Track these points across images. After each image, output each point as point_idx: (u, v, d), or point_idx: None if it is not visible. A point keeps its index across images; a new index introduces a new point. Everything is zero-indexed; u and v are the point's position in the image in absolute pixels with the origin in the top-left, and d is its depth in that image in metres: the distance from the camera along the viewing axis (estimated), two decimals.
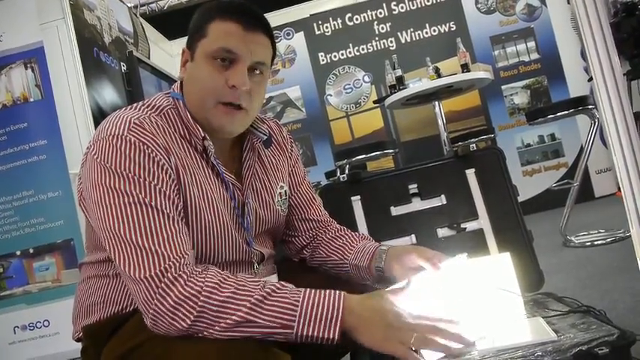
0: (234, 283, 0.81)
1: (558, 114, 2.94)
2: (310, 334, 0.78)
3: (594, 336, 1.02)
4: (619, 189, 4.28)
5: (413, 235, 1.54)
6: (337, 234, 1.16)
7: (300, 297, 0.80)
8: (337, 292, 0.82)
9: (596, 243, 2.79)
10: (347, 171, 3.33)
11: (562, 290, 1.42)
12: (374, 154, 3.36)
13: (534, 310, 1.28)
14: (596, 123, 2.94)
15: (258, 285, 0.81)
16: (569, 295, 1.37)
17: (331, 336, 0.78)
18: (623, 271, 2.17)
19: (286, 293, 0.81)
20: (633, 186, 0.78)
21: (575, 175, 3.06)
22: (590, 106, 2.89)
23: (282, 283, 0.83)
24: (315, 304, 0.79)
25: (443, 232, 1.55)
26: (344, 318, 0.79)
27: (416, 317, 0.82)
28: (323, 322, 0.78)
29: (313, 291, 0.82)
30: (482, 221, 1.55)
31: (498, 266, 1.34)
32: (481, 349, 1.07)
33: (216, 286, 0.79)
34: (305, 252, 1.18)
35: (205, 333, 0.79)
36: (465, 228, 1.55)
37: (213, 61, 0.91)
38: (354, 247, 1.11)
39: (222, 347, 0.77)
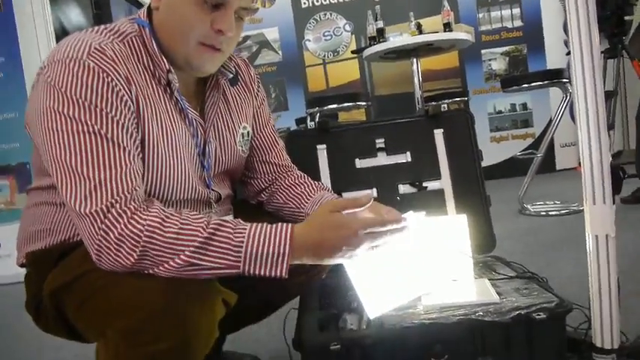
0: (177, 222, 0.78)
1: (533, 84, 2.95)
2: (257, 272, 0.78)
3: (534, 302, 1.06)
4: (579, 164, 4.37)
5: (375, 189, 1.54)
6: (297, 181, 1.15)
7: (244, 236, 0.78)
8: (284, 227, 0.80)
9: (550, 213, 2.88)
10: (317, 119, 3.30)
11: (511, 255, 1.46)
12: (346, 105, 3.33)
13: (482, 272, 1.32)
14: (568, 97, 2.97)
15: (201, 224, 0.79)
16: (517, 260, 1.41)
17: (278, 274, 0.78)
18: (571, 242, 2.25)
19: (230, 234, 0.78)
20: (593, 163, 0.79)
21: (541, 146, 3.11)
22: (564, 80, 2.91)
23: (227, 220, 0.81)
24: (261, 244, 0.78)
25: (404, 188, 1.56)
26: (291, 255, 0.79)
27: (363, 225, 0.82)
28: (270, 262, 0.78)
29: (259, 228, 0.79)
30: (444, 182, 1.57)
31: (454, 227, 1.37)
32: (426, 304, 1.10)
33: (158, 225, 0.77)
34: (262, 195, 1.17)
35: (151, 271, 0.77)
36: (427, 187, 1.56)
37: (201, 1, 0.86)
38: (311, 197, 1.10)
39: (165, 283, 0.76)
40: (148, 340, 0.76)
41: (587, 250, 0.86)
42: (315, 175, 1.52)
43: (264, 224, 0.80)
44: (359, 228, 0.81)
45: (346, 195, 1.51)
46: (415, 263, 1.02)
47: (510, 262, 1.39)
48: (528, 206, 3.00)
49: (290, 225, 0.80)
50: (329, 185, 1.52)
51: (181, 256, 0.75)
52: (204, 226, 0.78)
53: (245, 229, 0.79)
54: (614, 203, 0.82)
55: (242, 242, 0.77)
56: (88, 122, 0.79)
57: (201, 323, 0.79)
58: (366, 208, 0.87)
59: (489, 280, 1.23)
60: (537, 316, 1.01)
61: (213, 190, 1.02)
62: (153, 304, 0.76)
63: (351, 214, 0.83)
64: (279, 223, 0.80)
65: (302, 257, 0.80)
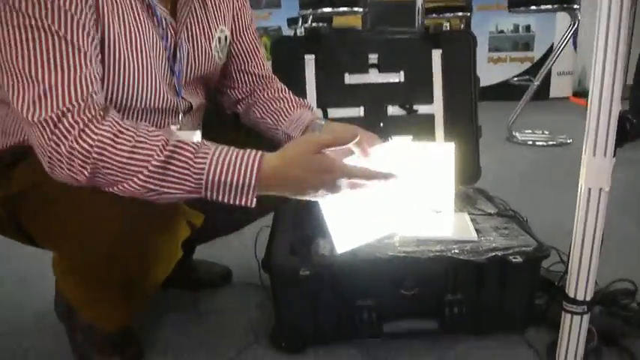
0: (131, 138, 0.69)
1: (542, 7, 2.77)
2: (220, 199, 0.71)
3: (512, 244, 1.03)
4: (574, 94, 4.25)
5: (362, 108, 1.45)
6: (277, 95, 1.05)
7: (206, 162, 0.70)
8: (251, 156, 0.72)
9: (537, 143, 2.84)
10: (310, 22, 3.09)
11: (494, 185, 1.42)
12: (342, 9, 3.11)
13: (463, 205, 1.29)
14: (576, 24, 2.81)
15: (158, 144, 0.69)
16: (499, 192, 1.38)
17: (243, 203, 0.71)
18: (556, 177, 2.23)
19: (190, 159, 0.69)
20: (601, 113, 0.72)
21: (538, 74, 3.00)
22: (575, 6, 2.73)
23: (187, 142, 0.72)
24: (224, 172, 0.70)
25: (393, 110, 1.47)
26: (257, 187, 0.71)
27: (346, 174, 0.75)
28: (234, 191, 0.70)
29: (223, 154, 0.71)
30: (436, 107, 1.48)
31: (440, 154, 1.31)
32: (403, 236, 1.07)
33: (109, 142, 0.68)
34: (239, 107, 1.08)
35: (109, 190, 0.70)
36: (417, 110, 1.48)
37: None
38: (290, 115, 1.02)
39: (123, 206, 0.70)
40: (105, 266, 0.72)
41: (577, 201, 0.81)
42: (300, 87, 1.42)
43: (231, 149, 0.72)
44: (342, 176, 0.74)
45: (332, 112, 1.42)
46: (394, 195, 0.96)
47: (493, 196, 1.35)
48: (517, 134, 2.94)
49: (260, 154, 0.72)
50: (314, 99, 1.42)
51: (135, 180, 0.68)
52: (162, 147, 0.69)
53: (207, 153, 0.70)
54: (614, 156, 0.76)
55: (203, 169, 0.69)
56: (39, 18, 0.67)
57: (162, 251, 0.75)
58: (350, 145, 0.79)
59: (470, 214, 1.19)
60: (514, 260, 0.99)
61: (183, 98, 0.92)
62: (110, 232, 0.71)
63: (335, 157, 0.75)
64: (248, 151, 0.72)
65: (271, 190, 0.73)
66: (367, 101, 1.46)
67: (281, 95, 1.06)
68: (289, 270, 0.97)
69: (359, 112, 1.45)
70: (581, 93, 4.43)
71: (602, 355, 0.98)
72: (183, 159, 0.69)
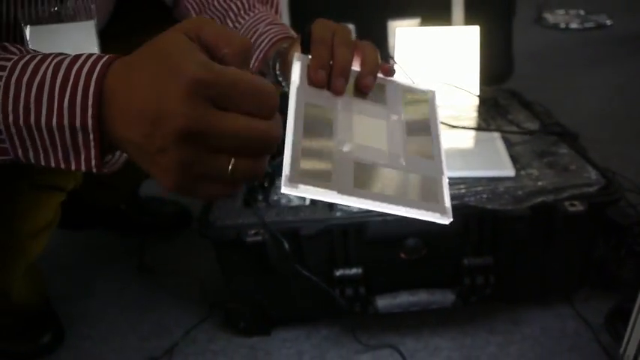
0: None
1: None
2: (24, 156, 0.33)
3: (565, 181, 0.69)
4: None
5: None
6: None
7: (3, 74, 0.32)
8: (92, 57, 0.32)
9: (571, 26, 2.38)
10: None
11: (524, 81, 1.07)
12: None
13: (492, 116, 0.93)
14: None
15: None
16: (531, 88, 1.02)
17: (76, 166, 0.33)
18: (597, 65, 1.82)
19: None
20: None
21: None
22: None
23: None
24: (35, 87, 0.31)
25: None
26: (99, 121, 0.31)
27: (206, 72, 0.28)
28: (57, 133, 0.32)
29: (38, 58, 0.32)
30: None
31: (460, 42, 0.95)
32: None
33: None
34: None
35: None
36: None
37: None
38: (242, 19, 0.62)
39: None
40: None
41: None
42: None
43: (65, 56, 0.33)
44: (197, 76, 0.28)
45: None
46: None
47: (531, 102, 0.98)
48: (548, 15, 2.47)
49: (109, 55, 0.32)
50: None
51: None
52: None
53: (10, 60, 0.32)
54: None
55: None
56: None
57: (24, 232, 0.58)
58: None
59: (501, 132, 0.84)
60: (570, 208, 0.66)
61: None
62: None
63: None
64: (84, 54, 0.33)
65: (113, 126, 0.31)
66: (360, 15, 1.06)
67: None
68: (232, 234, 0.65)
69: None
70: None
71: None
72: None
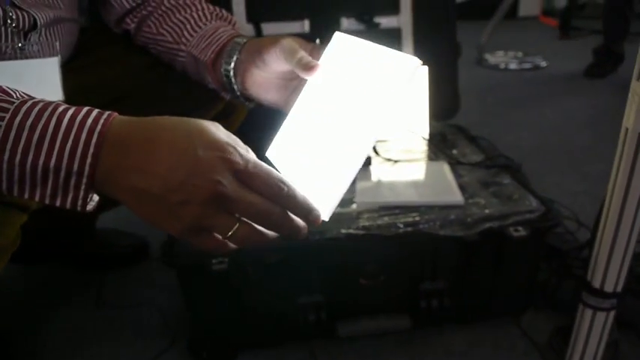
0: None
1: None
2: (25, 195, 0.35)
3: (509, 209, 0.75)
4: (544, 13, 3.90)
5: (307, 22, 1.10)
6: (182, 1, 0.69)
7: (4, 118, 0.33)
8: (94, 112, 0.35)
9: (510, 67, 2.55)
10: None
11: (469, 117, 1.14)
12: None
13: (440, 149, 0.99)
14: None
15: None
16: (475, 123, 1.10)
17: (70, 203, 0.35)
18: (534, 103, 1.96)
19: None
20: None
21: None
22: None
23: None
24: (37, 132, 0.33)
25: (348, 23, 1.13)
26: (99, 161, 0.34)
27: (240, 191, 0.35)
28: (51, 175, 0.34)
29: (40, 105, 0.34)
30: (403, 19, 1.15)
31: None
32: (361, 201, 0.77)
33: None
34: (128, 22, 0.72)
35: None
36: (379, 24, 1.14)
37: None
38: (199, 28, 0.66)
39: None
40: None
41: (619, 147, 0.53)
42: None
43: (68, 106, 0.35)
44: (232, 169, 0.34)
45: (267, 28, 1.07)
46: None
47: (475, 136, 1.06)
48: (488, 57, 2.64)
49: (108, 113, 0.35)
50: (242, 11, 1.05)
51: None
52: None
53: (10, 107, 0.34)
54: None
55: None
56: None
57: None
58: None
59: (450, 163, 0.90)
60: (515, 233, 0.71)
61: (17, 7, 0.56)
62: None
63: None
64: (85, 108, 0.35)
65: (113, 180, 0.34)
66: (314, 11, 1.11)
67: (188, 2, 0.70)
68: (196, 261, 0.66)
69: (303, 26, 1.09)
70: (551, 12, 4.10)
71: (619, 345, 0.75)
72: None
